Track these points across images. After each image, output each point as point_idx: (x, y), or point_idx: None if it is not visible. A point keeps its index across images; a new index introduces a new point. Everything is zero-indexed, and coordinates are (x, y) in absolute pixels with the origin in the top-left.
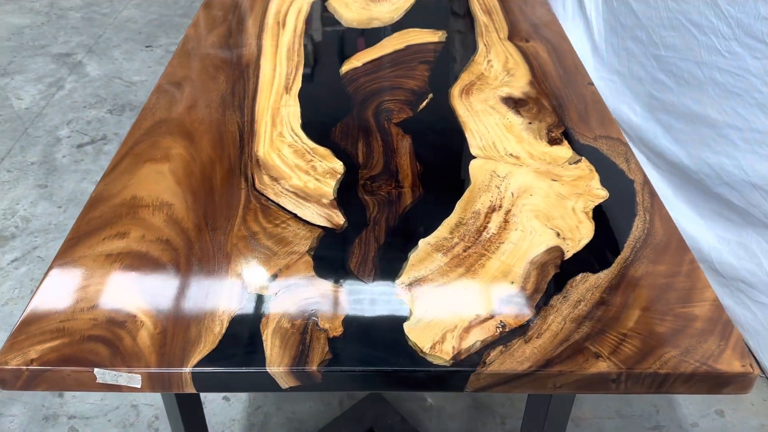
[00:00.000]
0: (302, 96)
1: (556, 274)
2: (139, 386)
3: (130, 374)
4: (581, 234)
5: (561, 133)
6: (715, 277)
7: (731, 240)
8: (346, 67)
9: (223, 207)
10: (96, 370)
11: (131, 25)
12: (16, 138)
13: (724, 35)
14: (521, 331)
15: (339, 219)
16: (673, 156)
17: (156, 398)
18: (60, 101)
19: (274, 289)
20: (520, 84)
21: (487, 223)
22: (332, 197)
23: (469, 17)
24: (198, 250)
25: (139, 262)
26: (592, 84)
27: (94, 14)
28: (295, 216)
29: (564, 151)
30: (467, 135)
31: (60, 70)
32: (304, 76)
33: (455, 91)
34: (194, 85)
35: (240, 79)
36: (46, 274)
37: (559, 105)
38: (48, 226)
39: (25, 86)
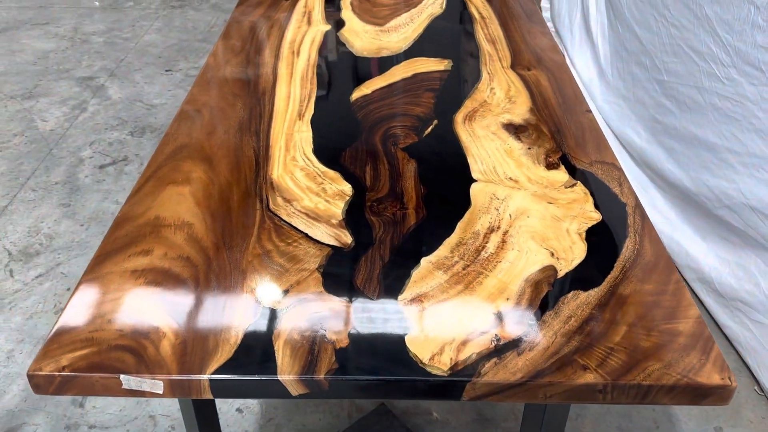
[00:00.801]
0: (314, 122)
1: (548, 292)
2: (161, 392)
3: (153, 381)
4: (574, 254)
5: (558, 158)
6: (716, 297)
7: (731, 261)
8: (356, 95)
9: (239, 227)
10: (122, 376)
11: (152, 50)
12: (41, 159)
13: (723, 62)
14: (515, 344)
15: (347, 238)
16: (675, 179)
17: (172, 409)
18: (83, 123)
19: (286, 304)
20: (520, 111)
21: (486, 243)
22: (341, 218)
23: (474, 46)
24: (216, 266)
25: (161, 277)
26: (590, 111)
27: (116, 39)
28: (306, 235)
29: (560, 175)
30: (469, 159)
31: (83, 93)
32: (316, 103)
33: (459, 117)
34: (213, 111)
35: (256, 106)
36: (75, 288)
37: (557, 131)
38: (71, 244)
39: (49, 108)
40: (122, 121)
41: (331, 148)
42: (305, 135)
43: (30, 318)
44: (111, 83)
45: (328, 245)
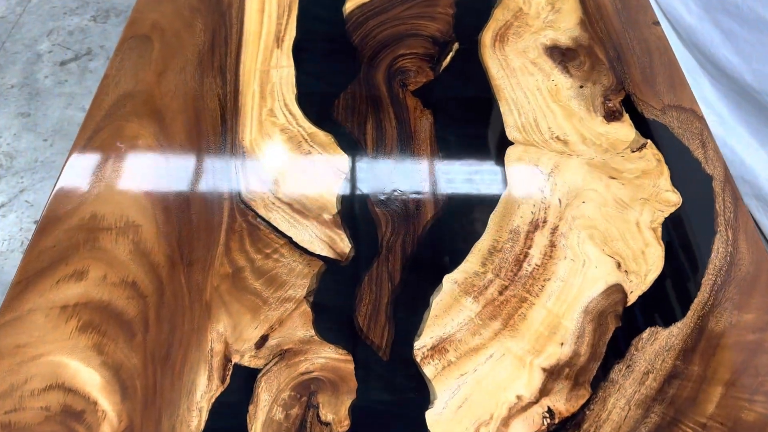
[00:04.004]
0: (297, 50)
1: (617, 329)
2: None
3: None
4: (648, 264)
5: (620, 102)
6: None
7: None
8: (351, 4)
9: (201, 227)
10: None
11: None
12: None
13: None
14: (574, 423)
15: (344, 245)
16: (732, 69)
17: None
18: (39, 6)
19: (265, 359)
20: (567, 24)
21: (529, 248)
22: (335, 210)
23: None
24: (170, 297)
25: (99, 317)
26: (658, 23)
27: None
28: (291, 241)
29: (625, 130)
30: (502, 108)
31: None
32: (299, 18)
33: (486, 37)
34: (165, 37)
35: (221, 26)
36: None
37: (617, 57)
38: (34, 165)
39: None
40: (83, 2)
41: (319, 94)
42: (286, 72)
43: None
44: None
45: (319, 256)
